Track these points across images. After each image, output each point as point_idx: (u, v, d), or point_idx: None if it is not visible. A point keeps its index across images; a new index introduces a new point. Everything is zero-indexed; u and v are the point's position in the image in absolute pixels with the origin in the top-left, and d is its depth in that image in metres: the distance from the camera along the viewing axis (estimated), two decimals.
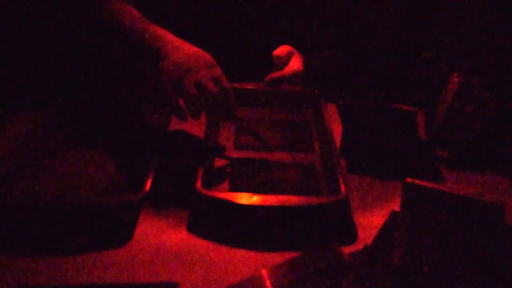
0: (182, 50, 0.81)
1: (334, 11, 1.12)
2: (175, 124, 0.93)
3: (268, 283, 0.61)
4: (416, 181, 0.70)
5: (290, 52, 1.04)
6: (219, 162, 0.85)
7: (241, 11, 1.07)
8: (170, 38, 0.83)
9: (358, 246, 0.69)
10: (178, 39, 0.83)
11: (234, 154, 0.87)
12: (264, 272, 0.63)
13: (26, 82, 1.15)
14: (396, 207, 0.70)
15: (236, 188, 0.78)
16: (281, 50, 1.03)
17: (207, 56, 0.81)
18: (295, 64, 1.03)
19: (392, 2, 1.21)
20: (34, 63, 1.19)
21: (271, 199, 0.72)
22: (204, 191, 0.72)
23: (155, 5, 0.99)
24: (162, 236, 0.70)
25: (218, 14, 1.07)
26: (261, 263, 0.66)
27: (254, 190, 0.75)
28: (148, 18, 0.90)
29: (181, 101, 0.78)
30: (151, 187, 0.73)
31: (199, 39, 1.04)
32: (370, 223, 0.73)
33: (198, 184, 0.73)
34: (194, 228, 0.72)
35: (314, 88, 1.03)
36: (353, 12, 1.15)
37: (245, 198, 0.71)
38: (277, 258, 0.66)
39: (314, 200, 0.75)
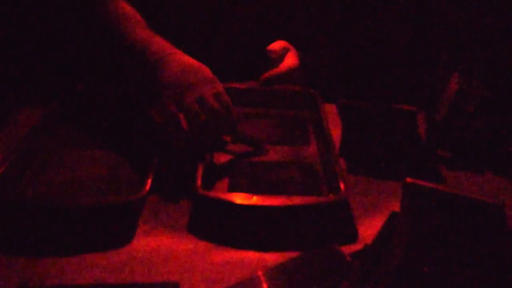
0: (183, 64, 0.81)
1: (333, 9, 1.12)
2: None
3: (266, 284, 0.61)
4: (416, 181, 0.70)
5: (285, 48, 1.03)
6: (220, 158, 0.85)
7: (236, 8, 1.06)
8: (171, 50, 0.83)
9: (358, 246, 0.69)
10: (179, 50, 0.83)
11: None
12: (262, 273, 0.63)
13: (27, 80, 1.16)
14: (396, 207, 0.71)
15: (235, 188, 0.78)
16: (276, 45, 1.02)
17: (208, 71, 0.81)
18: (291, 60, 1.02)
19: (393, 2, 1.21)
20: (34, 61, 1.19)
21: (271, 199, 0.72)
22: (204, 192, 0.72)
23: (150, 3, 0.99)
24: (162, 236, 0.70)
25: (212, 12, 1.06)
26: (261, 263, 0.66)
27: (254, 190, 0.75)
28: (148, 18, 0.90)
29: (181, 116, 0.78)
30: (151, 187, 0.73)
31: (195, 38, 1.04)
32: (370, 223, 0.73)
33: (198, 184, 0.73)
34: (194, 228, 0.72)
35: (313, 87, 1.02)
36: (352, 10, 1.15)
37: (245, 198, 0.71)
38: (277, 258, 0.66)
39: (314, 200, 0.75)
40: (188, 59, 0.82)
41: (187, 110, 0.77)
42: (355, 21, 1.16)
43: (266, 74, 1.00)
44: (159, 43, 0.84)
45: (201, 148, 0.81)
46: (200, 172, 0.75)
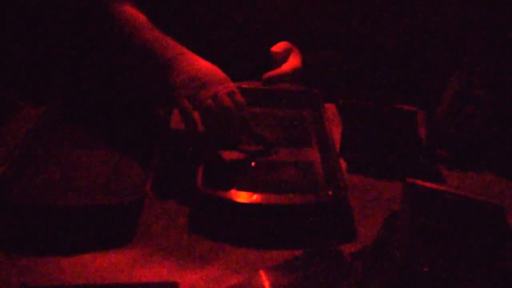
0: (196, 64, 0.82)
1: (335, 9, 1.12)
2: (176, 123, 0.92)
3: (266, 284, 0.61)
4: (416, 181, 0.70)
5: (288, 49, 1.04)
6: (222, 156, 0.85)
7: (239, 8, 1.07)
8: (182, 50, 0.84)
9: (358, 246, 0.69)
10: (189, 51, 0.85)
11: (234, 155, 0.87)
12: (262, 272, 0.63)
13: (27, 80, 1.16)
14: (396, 207, 0.71)
15: (236, 187, 0.78)
16: (279, 46, 1.03)
17: (220, 71, 0.83)
18: (294, 60, 1.03)
19: (393, 2, 1.21)
20: (35, 61, 1.19)
21: (271, 198, 0.72)
22: (205, 190, 0.72)
23: (152, 2, 0.99)
24: (162, 236, 0.70)
25: (215, 12, 1.07)
26: (261, 263, 0.66)
27: (255, 189, 0.75)
28: (153, 20, 0.90)
29: (196, 114, 0.79)
30: (151, 187, 0.72)
31: (197, 38, 1.04)
32: (370, 223, 0.73)
33: (199, 182, 0.73)
34: (194, 228, 0.72)
35: (313, 87, 1.02)
36: (353, 10, 1.15)
37: (245, 197, 0.71)
38: (277, 257, 0.66)
39: (313, 199, 0.75)
40: (200, 59, 0.84)
41: (202, 107, 0.78)
42: (355, 21, 1.16)
43: (269, 73, 1.00)
44: (170, 44, 0.85)
45: (213, 145, 0.82)
46: (201, 171, 0.75)
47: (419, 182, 0.70)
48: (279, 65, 1.02)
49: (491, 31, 1.07)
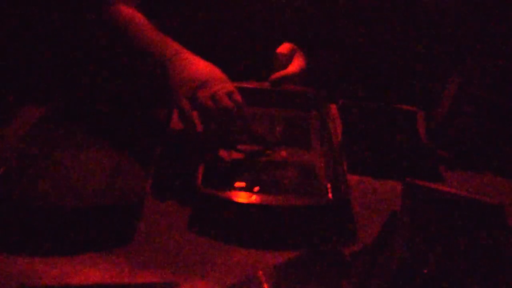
0: (195, 63, 0.82)
1: (335, 9, 1.12)
2: (176, 123, 0.92)
3: (266, 284, 0.61)
4: (416, 181, 0.70)
5: (293, 50, 1.04)
6: (222, 156, 0.85)
7: (238, 8, 1.07)
8: (181, 49, 0.85)
9: (358, 246, 0.69)
10: (188, 51, 0.85)
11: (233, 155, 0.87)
12: (262, 272, 0.63)
13: (27, 80, 1.16)
14: (396, 207, 0.71)
15: (236, 187, 0.78)
16: (285, 47, 1.02)
17: (219, 71, 0.83)
18: (299, 62, 1.03)
19: (393, 2, 1.21)
20: (35, 60, 1.20)
21: (271, 199, 0.72)
22: (204, 190, 0.72)
23: (154, 5, 0.99)
24: (162, 236, 0.70)
25: (215, 12, 1.07)
26: (261, 263, 0.66)
27: (255, 190, 0.75)
28: (152, 19, 0.91)
29: (195, 113, 0.79)
30: (151, 187, 0.72)
31: (197, 38, 1.04)
32: (370, 223, 0.73)
33: (199, 182, 0.73)
34: (194, 228, 0.72)
35: (314, 87, 1.02)
36: (353, 10, 1.15)
37: (245, 197, 0.71)
38: (277, 258, 0.66)
39: (314, 200, 0.75)
40: (198, 59, 0.84)
41: (201, 107, 0.78)
42: (356, 22, 1.16)
43: (277, 75, 0.99)
44: (168, 43, 0.85)
45: (212, 145, 0.82)
46: (200, 171, 0.75)
47: (419, 182, 0.70)
48: (283, 67, 1.02)
49: (491, 32, 1.07)
